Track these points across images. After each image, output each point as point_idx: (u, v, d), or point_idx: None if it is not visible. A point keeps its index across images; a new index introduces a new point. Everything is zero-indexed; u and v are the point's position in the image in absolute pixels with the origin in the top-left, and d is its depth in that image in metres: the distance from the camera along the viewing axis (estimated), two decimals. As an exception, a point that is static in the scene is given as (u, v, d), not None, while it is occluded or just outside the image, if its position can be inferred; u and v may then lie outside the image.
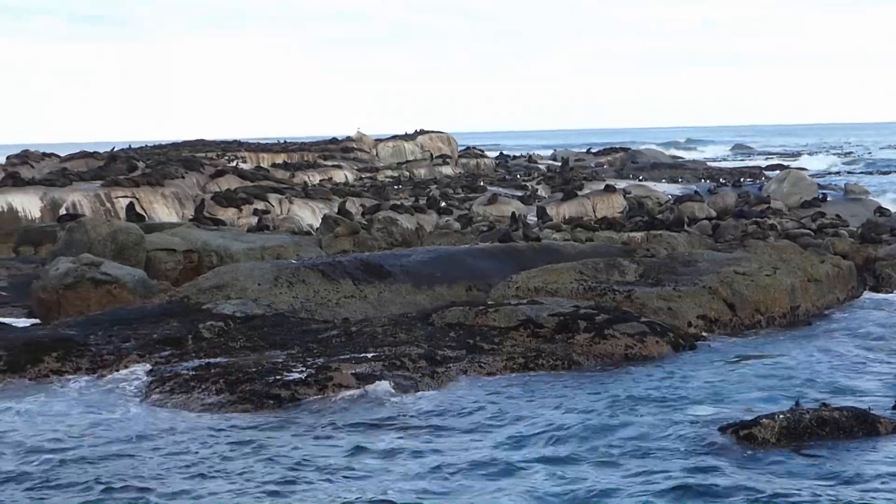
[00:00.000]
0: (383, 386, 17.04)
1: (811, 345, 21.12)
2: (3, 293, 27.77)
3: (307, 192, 48.14)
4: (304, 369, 17.59)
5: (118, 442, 14.61)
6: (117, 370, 18.47)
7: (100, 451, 14.08)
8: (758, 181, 66.14)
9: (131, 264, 26.08)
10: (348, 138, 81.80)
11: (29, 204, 37.83)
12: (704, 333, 21.68)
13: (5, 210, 37.36)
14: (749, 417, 14.60)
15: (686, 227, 35.67)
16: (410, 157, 77.67)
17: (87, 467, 13.42)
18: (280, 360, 18.20)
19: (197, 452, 14.04)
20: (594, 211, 47.84)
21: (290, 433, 14.95)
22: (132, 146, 76.78)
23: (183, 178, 46.61)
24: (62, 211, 37.41)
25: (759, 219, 38.02)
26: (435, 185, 59.10)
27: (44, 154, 55.26)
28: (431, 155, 77.90)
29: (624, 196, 51.10)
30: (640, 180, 64.37)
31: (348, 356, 18.32)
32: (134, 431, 15.02)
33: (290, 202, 45.42)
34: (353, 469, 13.27)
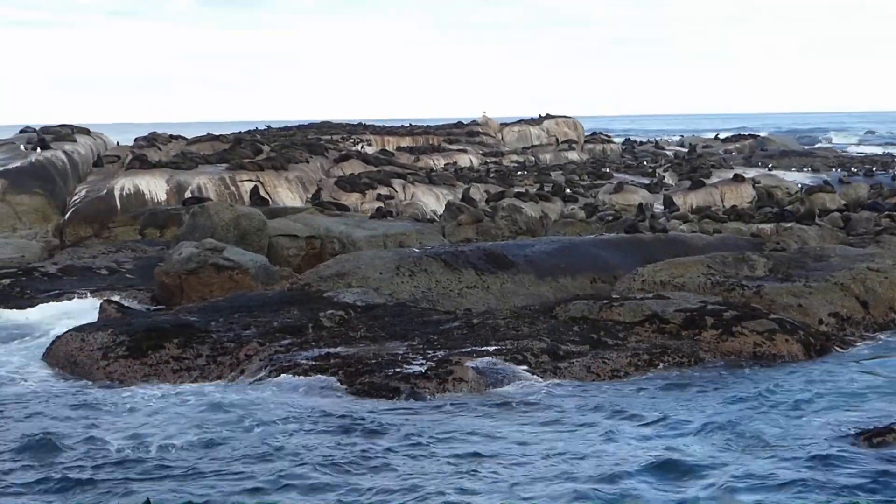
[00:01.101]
0: (505, 381, 16.82)
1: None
2: (129, 276, 27.98)
3: (431, 178, 47.89)
4: (424, 362, 17.35)
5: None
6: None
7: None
8: (890, 171, 64.35)
9: (254, 250, 26.11)
10: (474, 122, 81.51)
11: (155, 187, 38.04)
12: (836, 332, 20.99)
13: (132, 192, 37.59)
14: (883, 424, 14.04)
15: (817, 219, 34.75)
16: (536, 142, 77.21)
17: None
18: (400, 352, 17.99)
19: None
20: (722, 200, 46.98)
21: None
22: (258, 128, 77.21)
23: (307, 162, 46.63)
24: (187, 194, 37.55)
25: (893, 212, 36.89)
26: (560, 171, 58.52)
27: (170, 136, 55.75)
28: (557, 140, 77.35)
29: (753, 186, 50.13)
30: (769, 168, 63.02)
31: (469, 349, 18.05)
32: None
33: (414, 188, 45.23)
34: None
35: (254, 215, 28.15)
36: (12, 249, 31.08)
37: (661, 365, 18.14)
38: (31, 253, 31.23)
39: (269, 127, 78.20)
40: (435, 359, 17.44)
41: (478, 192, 44.13)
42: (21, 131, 47.70)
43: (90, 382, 18.14)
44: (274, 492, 12.18)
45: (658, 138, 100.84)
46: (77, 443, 14.22)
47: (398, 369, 17.00)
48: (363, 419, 14.92)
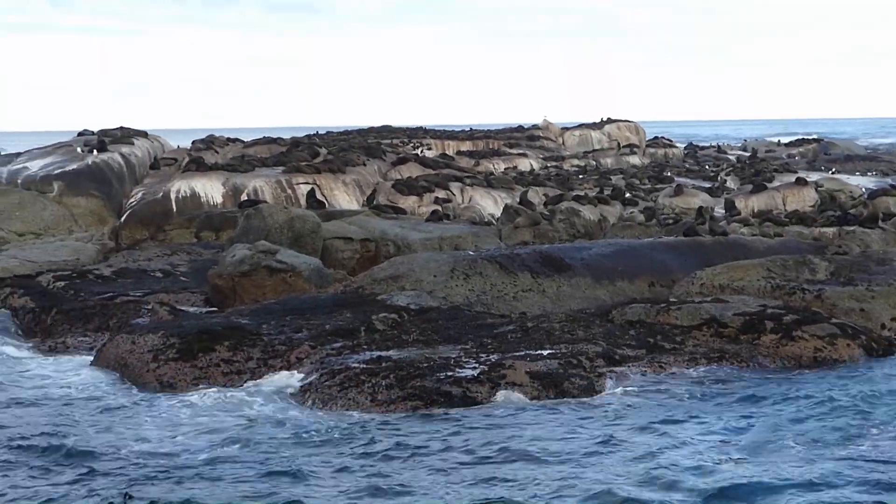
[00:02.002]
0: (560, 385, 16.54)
1: None
2: (184, 278, 27.93)
3: (489, 181, 47.58)
4: (476, 366, 17.06)
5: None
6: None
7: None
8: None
9: (308, 252, 25.94)
10: (534, 126, 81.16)
11: (211, 189, 37.92)
12: (900, 337, 20.51)
13: (188, 195, 37.51)
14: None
15: (880, 223, 34.18)
16: (597, 146, 76.80)
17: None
18: (453, 356, 17.70)
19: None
20: (784, 204, 46.42)
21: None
22: (319, 132, 77.20)
23: (364, 165, 46.43)
24: (243, 197, 37.38)
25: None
26: (621, 175, 58.14)
27: (228, 139, 55.62)
28: (619, 144, 76.89)
29: (815, 189, 49.52)
30: (832, 173, 62.37)
31: (523, 353, 17.73)
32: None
33: (472, 191, 44.92)
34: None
35: (308, 217, 27.98)
36: (67, 252, 31.06)
37: (719, 369, 17.78)
38: (86, 255, 31.18)
39: (329, 132, 78.12)
40: (488, 362, 17.14)
41: (536, 196, 43.73)
42: (79, 134, 47.85)
43: (135, 388, 18.12)
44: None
45: (721, 143, 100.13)
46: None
47: (450, 373, 16.72)
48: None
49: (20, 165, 39.63)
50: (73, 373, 19.59)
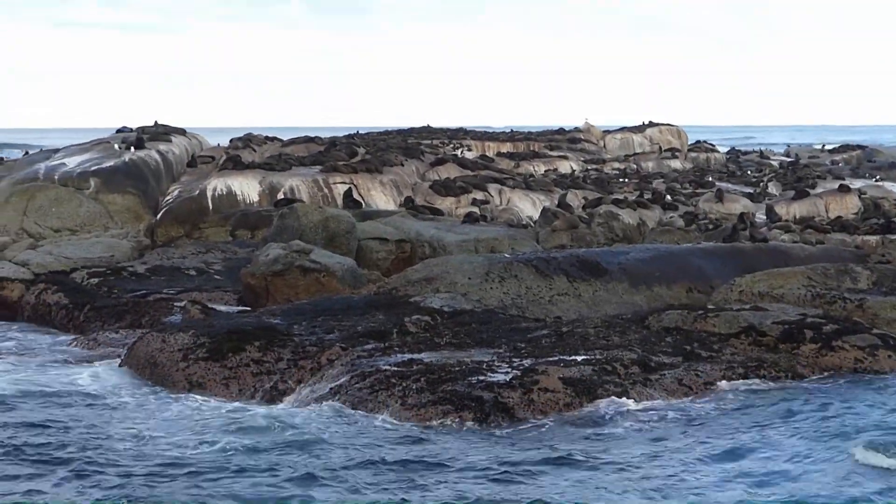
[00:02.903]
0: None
1: None
2: (217, 277, 27.86)
3: (528, 184, 47.34)
4: (509, 370, 16.79)
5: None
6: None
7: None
8: None
9: (342, 252, 25.79)
10: (576, 129, 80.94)
11: (248, 188, 37.81)
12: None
13: (225, 193, 37.40)
14: None
15: (925, 230, 33.77)
16: (638, 150, 76.49)
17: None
18: (486, 360, 17.42)
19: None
20: (826, 211, 46.00)
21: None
22: (358, 132, 77.10)
23: (402, 165, 46.29)
24: (280, 195, 37.34)
25: None
26: (662, 179, 57.88)
27: (266, 138, 55.64)
28: (660, 148, 76.51)
29: (859, 196, 49.06)
30: (876, 180, 61.80)
31: (557, 358, 17.43)
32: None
33: (511, 192, 44.67)
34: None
35: (342, 217, 27.83)
36: (102, 248, 31.04)
37: (757, 379, 17.47)
38: (121, 252, 31.15)
39: (369, 133, 78.02)
40: (521, 367, 16.86)
41: (575, 199, 43.50)
42: (118, 131, 47.90)
43: (162, 387, 18.12)
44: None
45: (763, 148, 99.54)
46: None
47: (482, 377, 16.45)
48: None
49: (58, 162, 39.60)
50: (102, 370, 19.60)
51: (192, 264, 29.37)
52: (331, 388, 16.91)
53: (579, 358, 17.46)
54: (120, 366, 19.78)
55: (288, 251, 23.83)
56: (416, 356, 17.77)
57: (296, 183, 38.63)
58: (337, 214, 28.23)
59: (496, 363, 17.28)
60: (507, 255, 24.37)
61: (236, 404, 16.86)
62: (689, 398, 16.54)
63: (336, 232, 26.94)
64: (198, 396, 17.34)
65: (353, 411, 15.90)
